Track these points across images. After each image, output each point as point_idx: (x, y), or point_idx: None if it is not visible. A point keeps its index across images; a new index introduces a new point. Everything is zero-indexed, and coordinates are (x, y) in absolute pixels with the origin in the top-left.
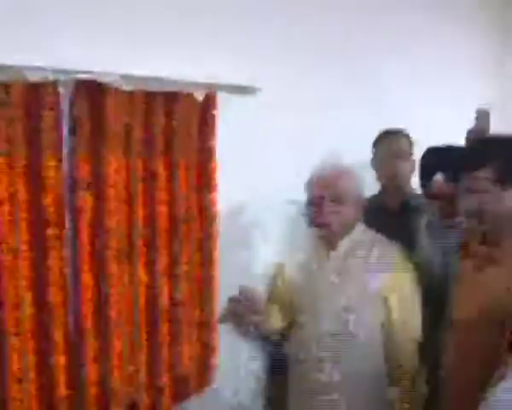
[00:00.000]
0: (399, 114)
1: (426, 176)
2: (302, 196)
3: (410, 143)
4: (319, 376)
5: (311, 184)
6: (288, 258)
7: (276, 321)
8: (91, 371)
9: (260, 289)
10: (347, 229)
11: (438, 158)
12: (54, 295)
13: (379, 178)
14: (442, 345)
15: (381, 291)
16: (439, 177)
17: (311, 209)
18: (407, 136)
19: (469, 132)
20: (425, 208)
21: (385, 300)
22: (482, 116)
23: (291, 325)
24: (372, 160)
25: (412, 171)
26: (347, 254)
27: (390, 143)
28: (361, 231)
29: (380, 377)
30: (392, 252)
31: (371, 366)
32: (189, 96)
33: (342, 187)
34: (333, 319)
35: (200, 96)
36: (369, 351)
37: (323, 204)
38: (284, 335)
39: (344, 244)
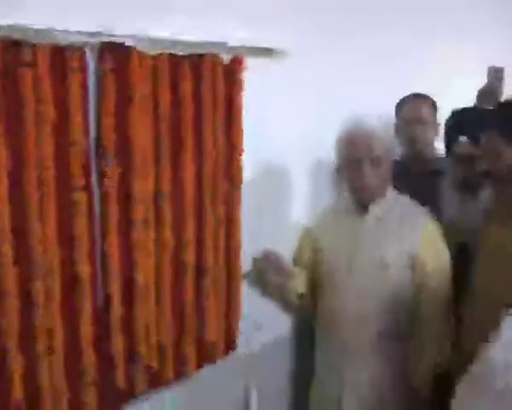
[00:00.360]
0: (425, 80)
1: (450, 138)
2: (328, 158)
3: (434, 107)
4: (351, 333)
5: (347, 146)
6: (315, 220)
7: (299, 285)
8: (118, 340)
9: (286, 252)
10: (383, 191)
11: (462, 120)
12: (81, 263)
13: (401, 142)
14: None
15: (413, 252)
16: (463, 138)
17: (347, 172)
18: (430, 100)
19: (480, 91)
20: (448, 171)
21: (418, 261)
22: (493, 74)
23: (315, 288)
24: (395, 124)
25: (436, 135)
26: (381, 216)
27: (412, 108)
28: (391, 193)
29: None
30: (422, 214)
31: (400, 325)
32: (216, 58)
33: (380, 148)
34: (368, 278)
35: (226, 60)
36: (399, 309)
37: (362, 166)
38: (305, 298)
39: (378, 206)
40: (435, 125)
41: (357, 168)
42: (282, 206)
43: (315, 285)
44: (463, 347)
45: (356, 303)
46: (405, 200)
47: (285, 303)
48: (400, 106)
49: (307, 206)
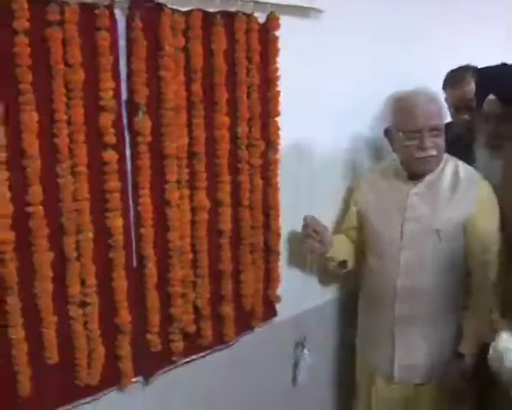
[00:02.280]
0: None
1: (480, 96)
2: (365, 127)
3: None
4: (402, 305)
5: (406, 116)
6: (361, 183)
7: (340, 253)
8: (153, 298)
9: (325, 220)
10: (440, 160)
11: (491, 77)
12: (114, 220)
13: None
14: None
15: (467, 219)
16: (492, 96)
17: (404, 141)
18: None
19: None
20: (479, 130)
21: (470, 227)
22: None
23: (362, 252)
24: (445, 99)
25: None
26: (434, 183)
27: (462, 91)
28: (446, 158)
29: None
30: (474, 179)
31: (454, 297)
32: (250, 16)
33: (438, 117)
34: (421, 249)
35: (260, 18)
36: (452, 281)
37: (424, 137)
38: (349, 264)
39: (430, 174)
40: None
41: (417, 139)
42: (320, 173)
43: (362, 249)
44: None
45: (409, 275)
46: (456, 163)
47: (330, 268)
48: (447, 85)
49: (346, 175)
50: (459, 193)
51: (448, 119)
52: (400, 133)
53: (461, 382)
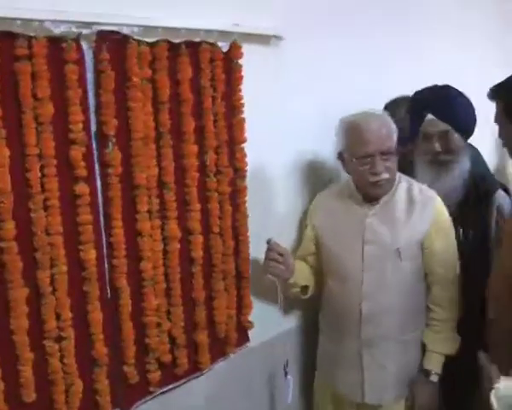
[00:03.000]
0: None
1: (415, 118)
2: (326, 147)
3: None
4: (366, 328)
5: (357, 140)
6: (317, 207)
7: (301, 278)
8: (128, 329)
9: (290, 241)
10: (394, 182)
11: (426, 99)
12: (88, 252)
13: None
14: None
15: (423, 238)
16: (430, 116)
17: (357, 166)
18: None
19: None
20: (418, 150)
21: (427, 247)
22: None
23: (321, 277)
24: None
25: None
26: (390, 205)
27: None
28: (399, 179)
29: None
30: (431, 197)
31: (416, 315)
32: (214, 46)
33: (390, 140)
34: (382, 271)
35: (224, 47)
36: (414, 299)
37: (375, 162)
38: (310, 290)
39: (387, 195)
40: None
41: (369, 164)
42: (285, 195)
43: (321, 274)
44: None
45: (373, 297)
46: (410, 181)
47: (291, 295)
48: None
49: (308, 195)
50: (415, 212)
51: None
52: (353, 158)
53: (429, 399)
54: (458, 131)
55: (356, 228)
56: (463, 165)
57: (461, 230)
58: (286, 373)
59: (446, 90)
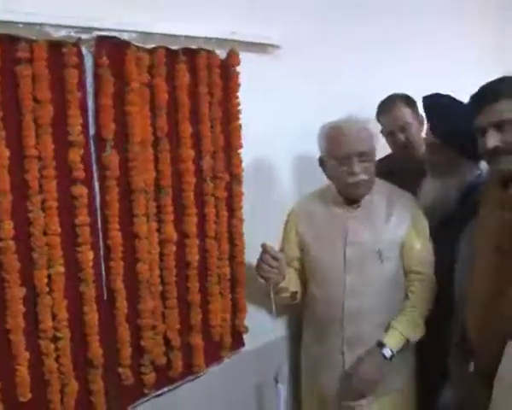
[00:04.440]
0: (420, 73)
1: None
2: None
3: (412, 103)
4: (349, 329)
5: (335, 142)
6: (299, 211)
7: (291, 284)
8: (124, 331)
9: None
10: (372, 184)
11: (426, 107)
12: (85, 254)
13: (390, 148)
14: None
15: (403, 239)
16: (427, 126)
17: (335, 168)
18: (405, 99)
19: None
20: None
21: (406, 247)
22: None
23: (304, 282)
24: (381, 130)
25: (422, 127)
26: (370, 208)
27: (392, 118)
28: (378, 183)
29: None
30: (409, 201)
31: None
32: (211, 53)
33: (368, 142)
34: (364, 273)
35: (221, 55)
36: (395, 299)
37: (352, 163)
38: (296, 297)
39: (367, 197)
40: (419, 119)
41: (346, 165)
42: (281, 201)
43: (303, 278)
44: None
45: (355, 297)
46: (389, 186)
47: (282, 300)
48: (379, 115)
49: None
50: (394, 215)
51: (383, 151)
52: (332, 160)
53: (373, 371)
54: (449, 146)
55: (337, 231)
56: (455, 179)
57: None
58: (276, 382)
59: (442, 100)
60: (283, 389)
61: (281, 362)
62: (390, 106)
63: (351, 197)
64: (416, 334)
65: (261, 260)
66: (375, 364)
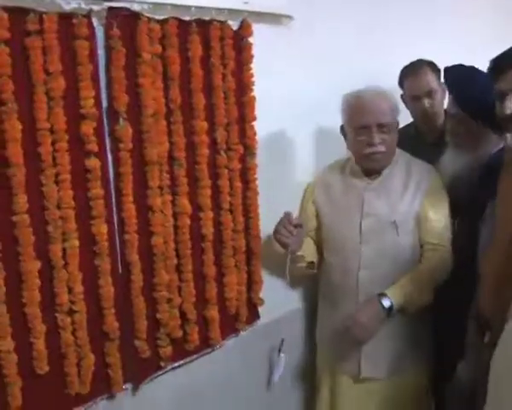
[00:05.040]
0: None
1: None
2: (338, 125)
3: (437, 71)
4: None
5: (354, 113)
6: (318, 182)
7: (307, 253)
8: (140, 304)
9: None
10: (391, 157)
11: (449, 78)
12: (99, 227)
13: (412, 114)
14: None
15: (419, 210)
16: (450, 97)
17: (354, 138)
18: (432, 65)
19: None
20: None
21: (422, 218)
22: None
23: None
24: (401, 96)
25: (444, 97)
26: (388, 180)
27: (418, 82)
28: (398, 154)
29: None
30: (426, 171)
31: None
32: (224, 24)
33: (387, 114)
34: (380, 244)
35: (234, 26)
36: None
37: (371, 134)
38: (313, 266)
39: (386, 170)
40: (442, 88)
41: (365, 135)
42: (297, 172)
43: (321, 249)
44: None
45: (370, 268)
46: (409, 157)
47: (297, 269)
48: (404, 78)
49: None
50: (411, 187)
51: (404, 119)
52: (351, 129)
53: (370, 319)
54: (474, 118)
55: (354, 202)
56: (482, 150)
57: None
58: (279, 351)
59: (466, 71)
60: (283, 360)
61: (296, 333)
62: (417, 70)
63: (368, 169)
64: (422, 297)
65: (281, 224)
66: (372, 311)
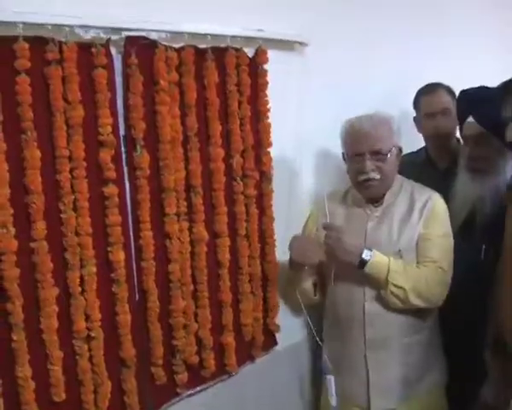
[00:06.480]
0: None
1: (460, 119)
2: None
3: (453, 95)
4: (371, 329)
5: (349, 140)
6: (320, 210)
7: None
8: (156, 331)
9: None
10: (387, 185)
11: (469, 100)
12: (116, 254)
13: (424, 136)
14: None
15: (424, 236)
16: (470, 119)
17: (350, 165)
18: (447, 87)
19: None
20: (461, 153)
21: (424, 239)
22: None
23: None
24: (415, 118)
25: (456, 123)
26: (389, 208)
27: (433, 100)
28: (400, 182)
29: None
30: (432, 200)
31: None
32: (240, 51)
33: (382, 141)
34: None
35: (249, 53)
36: None
37: (365, 160)
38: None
39: (386, 197)
40: (455, 111)
41: (359, 162)
42: (311, 198)
43: (323, 279)
44: None
45: (376, 299)
46: (413, 185)
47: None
48: (419, 98)
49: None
50: (415, 212)
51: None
52: (347, 157)
53: (344, 252)
54: (496, 134)
55: (357, 232)
56: (500, 175)
57: (483, 247)
58: (325, 374)
59: (487, 91)
60: (333, 381)
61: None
62: (434, 89)
63: (364, 196)
64: (406, 286)
65: (307, 242)
66: (352, 250)
